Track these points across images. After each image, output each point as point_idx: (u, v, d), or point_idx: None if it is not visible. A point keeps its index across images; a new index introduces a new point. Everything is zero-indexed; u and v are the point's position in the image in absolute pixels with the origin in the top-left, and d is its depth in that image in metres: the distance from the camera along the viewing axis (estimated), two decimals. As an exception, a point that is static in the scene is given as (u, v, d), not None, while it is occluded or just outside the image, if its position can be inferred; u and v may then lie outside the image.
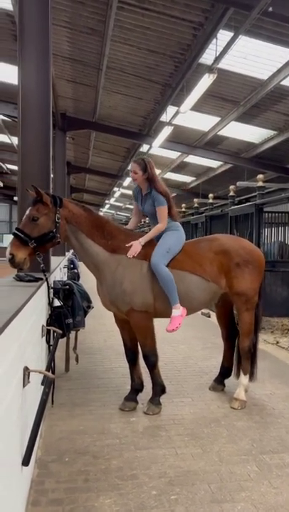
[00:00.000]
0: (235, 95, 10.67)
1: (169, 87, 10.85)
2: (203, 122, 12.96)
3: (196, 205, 13.87)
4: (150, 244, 3.82)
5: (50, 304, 4.22)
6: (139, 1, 7.48)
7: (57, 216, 3.60)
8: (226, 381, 4.48)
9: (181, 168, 19.00)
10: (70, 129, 14.41)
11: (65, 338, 4.74)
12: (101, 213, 21.32)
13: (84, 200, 32.75)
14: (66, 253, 13.03)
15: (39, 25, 4.49)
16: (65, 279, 8.34)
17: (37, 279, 3.67)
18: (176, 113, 11.73)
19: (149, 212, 4.02)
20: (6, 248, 3.51)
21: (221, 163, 16.58)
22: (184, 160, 17.43)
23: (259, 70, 9.25)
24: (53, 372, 3.79)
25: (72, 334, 4.92)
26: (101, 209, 36.84)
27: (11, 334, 1.92)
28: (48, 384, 2.28)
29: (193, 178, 20.42)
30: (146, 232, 3.94)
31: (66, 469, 2.88)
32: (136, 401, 3.99)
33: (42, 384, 2.72)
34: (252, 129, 12.80)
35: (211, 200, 12.70)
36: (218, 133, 13.39)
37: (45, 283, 3.89)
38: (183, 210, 15.24)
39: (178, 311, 3.77)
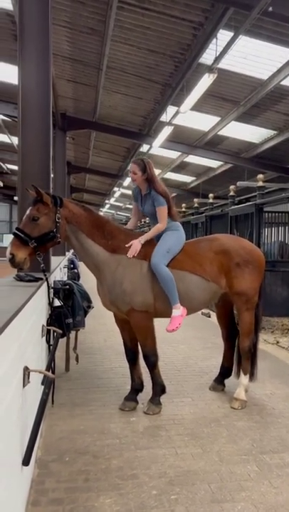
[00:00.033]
0: (235, 95, 10.67)
1: (169, 87, 10.85)
2: (203, 122, 12.96)
3: (196, 205, 13.87)
4: (150, 244, 3.82)
5: (51, 303, 4.22)
6: (139, 1, 7.49)
7: (57, 216, 3.59)
8: (226, 381, 4.48)
9: (181, 168, 19.00)
10: (70, 128, 14.41)
11: (65, 338, 4.74)
12: (101, 213, 21.28)
13: (84, 200, 32.76)
14: (66, 253, 13.02)
15: (39, 25, 4.50)
16: (65, 278, 8.35)
17: (37, 279, 3.67)
18: (176, 113, 11.73)
19: (149, 212, 4.02)
20: (6, 248, 3.51)
21: (221, 163, 16.59)
22: (184, 160, 17.43)
23: (259, 70, 9.26)
24: (53, 372, 3.80)
25: (73, 334, 4.92)
26: (101, 209, 36.85)
27: (11, 334, 1.92)
28: (48, 384, 2.28)
29: (194, 178, 20.42)
30: (147, 232, 3.94)
31: (66, 469, 2.88)
32: (136, 401, 3.99)
33: (42, 384, 2.72)
34: (252, 128, 12.81)
35: (211, 200, 12.69)
36: (218, 133, 13.39)
37: (46, 283, 3.89)
38: (183, 210, 15.23)
39: (178, 311, 3.77)
